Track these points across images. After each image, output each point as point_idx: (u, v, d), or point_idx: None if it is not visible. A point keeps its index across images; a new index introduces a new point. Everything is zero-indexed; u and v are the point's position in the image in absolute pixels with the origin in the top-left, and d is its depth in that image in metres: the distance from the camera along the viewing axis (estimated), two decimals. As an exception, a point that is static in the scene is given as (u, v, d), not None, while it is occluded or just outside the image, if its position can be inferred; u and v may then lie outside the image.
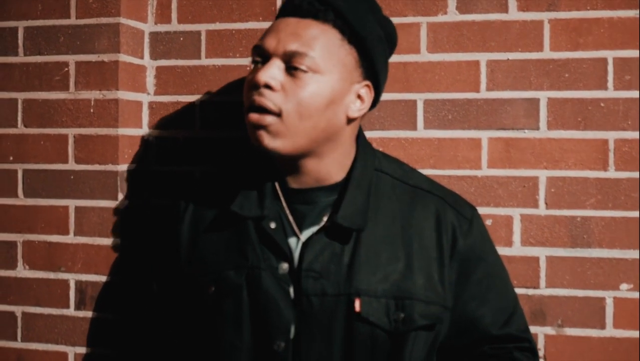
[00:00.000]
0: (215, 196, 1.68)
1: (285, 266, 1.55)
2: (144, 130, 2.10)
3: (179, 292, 1.67)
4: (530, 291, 1.91)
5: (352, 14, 1.52)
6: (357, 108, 1.56)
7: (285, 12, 1.56)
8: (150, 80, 2.11)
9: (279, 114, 1.48)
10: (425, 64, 1.96)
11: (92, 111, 2.00)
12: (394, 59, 1.96)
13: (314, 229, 1.58)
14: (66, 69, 2.03)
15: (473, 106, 1.93)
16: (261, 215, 1.57)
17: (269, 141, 1.50)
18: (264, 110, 1.49)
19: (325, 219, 1.58)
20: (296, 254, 1.56)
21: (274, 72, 1.49)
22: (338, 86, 1.51)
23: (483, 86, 1.93)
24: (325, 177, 1.58)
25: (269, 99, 1.48)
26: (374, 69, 1.57)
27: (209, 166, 2.07)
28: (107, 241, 2.00)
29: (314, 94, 1.48)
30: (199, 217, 1.67)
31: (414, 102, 1.96)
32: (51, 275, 2.05)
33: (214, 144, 2.06)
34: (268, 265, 1.55)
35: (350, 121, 1.57)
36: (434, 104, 1.95)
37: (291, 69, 1.48)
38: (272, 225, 1.57)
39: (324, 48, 1.50)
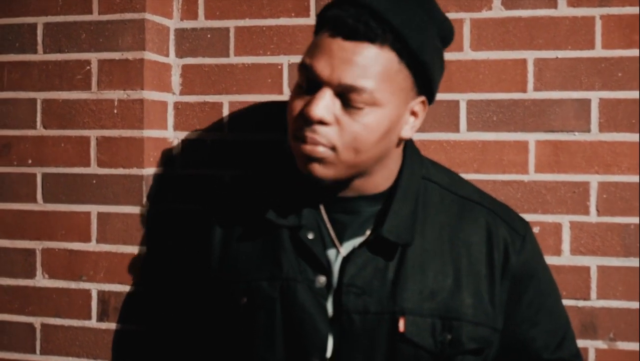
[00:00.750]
0: (248, 201, 1.59)
1: (322, 279, 1.46)
2: (169, 132, 2.01)
3: (209, 301, 1.58)
4: (581, 303, 1.81)
5: (411, 36, 1.37)
6: (410, 126, 1.47)
7: (336, 30, 1.37)
8: (175, 79, 2.02)
9: (332, 149, 1.38)
10: (468, 63, 1.86)
11: (115, 111, 1.91)
12: (436, 57, 1.87)
13: (356, 241, 1.49)
14: (88, 67, 1.93)
15: (519, 107, 1.84)
16: (298, 224, 1.49)
17: (321, 172, 1.41)
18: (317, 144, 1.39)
19: (368, 232, 1.49)
20: (336, 268, 1.48)
21: (328, 106, 1.36)
22: (395, 113, 1.40)
23: (530, 85, 1.83)
24: (370, 189, 1.50)
25: (322, 135, 1.37)
26: (430, 84, 1.46)
27: (238, 170, 1.97)
28: (131, 249, 1.90)
29: (371, 129, 1.38)
30: (231, 223, 1.59)
31: (457, 102, 1.86)
32: (72, 285, 1.95)
33: (243, 147, 1.97)
34: (304, 278, 1.47)
35: (402, 139, 1.48)
36: (477, 104, 1.85)
37: (347, 103, 1.36)
38: (310, 235, 1.48)
39: (382, 76, 1.36)
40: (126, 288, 1.91)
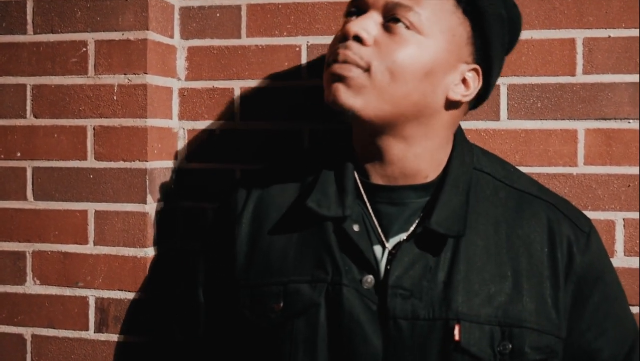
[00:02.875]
0: (280, 191, 1.45)
1: (370, 279, 1.32)
2: (174, 121, 1.83)
3: (232, 308, 1.41)
4: (636, 309, 1.65)
5: None
6: (459, 92, 1.32)
7: None
8: (180, 63, 1.84)
9: (366, 69, 1.28)
10: (510, 43, 1.69)
11: (115, 98, 1.72)
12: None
13: (403, 236, 1.34)
14: (84, 49, 1.75)
15: (567, 92, 1.67)
16: (342, 215, 1.33)
17: (346, 97, 1.28)
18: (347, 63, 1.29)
19: (415, 224, 1.34)
20: (381, 266, 1.33)
21: (367, 23, 1.29)
22: (442, 56, 1.30)
23: (579, 68, 1.67)
24: (414, 172, 1.36)
25: (356, 52, 1.28)
26: (487, 52, 1.36)
27: (250, 163, 1.80)
28: (133, 252, 1.72)
29: (412, 55, 1.28)
30: (261, 215, 1.43)
31: (497, 87, 1.69)
32: (67, 291, 1.76)
33: (256, 137, 1.80)
34: (351, 279, 1.32)
35: (449, 105, 1.35)
36: (520, 89, 1.69)
37: (391, 21, 1.28)
38: (356, 228, 1.33)
39: (433, 8, 1.29)
40: (127, 295, 1.73)
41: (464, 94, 1.35)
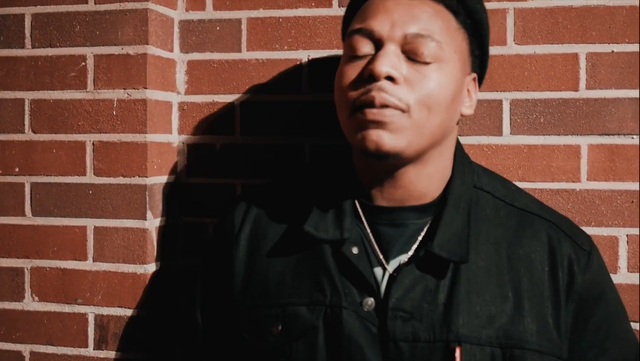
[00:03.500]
0: (279, 211, 1.43)
1: (370, 301, 1.30)
2: (174, 136, 1.82)
3: (231, 330, 1.40)
4: (639, 326, 1.65)
5: None
6: (468, 105, 1.37)
7: None
8: (180, 77, 1.83)
9: (403, 111, 1.24)
10: (512, 58, 1.69)
11: (114, 113, 1.71)
12: (475, 51, 1.70)
13: (403, 258, 1.33)
14: (83, 63, 1.74)
15: (570, 107, 1.67)
16: (341, 238, 1.32)
17: (392, 143, 1.25)
18: (385, 107, 1.25)
19: (415, 246, 1.33)
20: (382, 289, 1.32)
21: (395, 61, 1.25)
22: (459, 76, 1.31)
23: (582, 83, 1.66)
24: (421, 194, 1.35)
25: (393, 94, 1.24)
26: (483, 60, 1.36)
27: (251, 178, 1.79)
28: (133, 268, 1.71)
29: (442, 84, 1.27)
30: (258, 236, 1.42)
31: (499, 102, 1.69)
32: (66, 308, 1.75)
33: (256, 152, 1.79)
34: (350, 302, 1.30)
35: (458, 120, 1.37)
36: (523, 104, 1.68)
37: (413, 57, 1.26)
38: (355, 250, 1.32)
39: (444, 30, 1.29)
40: (127, 312, 1.72)
41: (470, 104, 1.37)
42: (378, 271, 1.33)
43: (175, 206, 1.81)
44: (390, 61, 1.24)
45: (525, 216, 1.39)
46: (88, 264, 1.74)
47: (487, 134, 1.70)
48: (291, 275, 1.35)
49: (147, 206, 1.70)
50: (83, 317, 1.74)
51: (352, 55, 1.30)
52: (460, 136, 1.69)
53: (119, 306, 1.72)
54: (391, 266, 1.32)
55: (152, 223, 1.72)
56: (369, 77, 1.24)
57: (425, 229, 1.34)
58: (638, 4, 1.64)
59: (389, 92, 1.23)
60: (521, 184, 1.67)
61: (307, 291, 1.32)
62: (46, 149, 1.76)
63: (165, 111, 1.78)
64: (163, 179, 1.76)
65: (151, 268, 1.72)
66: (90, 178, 1.74)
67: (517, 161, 1.68)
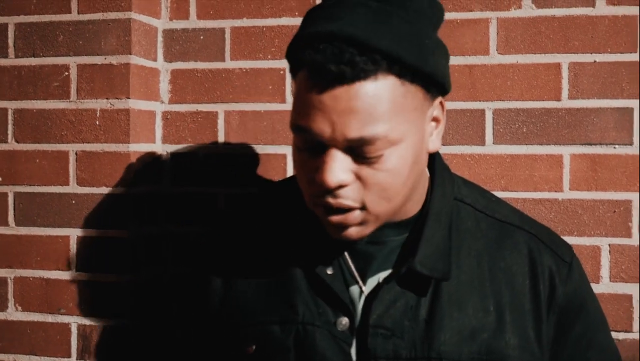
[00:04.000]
0: (254, 229, 1.41)
1: (345, 321, 1.28)
2: (158, 145, 1.82)
3: (209, 345, 1.40)
4: (622, 336, 1.65)
5: (406, 51, 1.14)
6: (435, 136, 1.28)
7: (320, 79, 1.14)
8: (164, 86, 1.83)
9: (362, 207, 1.20)
10: (495, 68, 1.69)
11: (97, 123, 1.72)
12: (458, 61, 1.70)
13: (382, 275, 1.31)
14: (66, 73, 1.74)
15: (553, 117, 1.67)
16: (314, 258, 1.31)
17: (358, 234, 1.24)
18: (344, 210, 1.21)
19: (395, 262, 1.31)
20: (359, 307, 1.30)
21: (342, 167, 1.16)
22: (417, 137, 1.21)
23: (565, 93, 1.67)
24: (402, 212, 1.31)
25: (346, 197, 1.18)
26: (443, 85, 1.26)
27: (234, 187, 1.80)
28: (116, 278, 1.71)
29: (397, 171, 1.19)
30: (236, 255, 1.40)
31: (482, 112, 1.69)
32: (49, 318, 1.75)
33: (240, 161, 1.79)
34: (324, 321, 1.28)
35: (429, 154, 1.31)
36: (505, 114, 1.69)
37: (362, 155, 1.16)
38: (329, 271, 1.30)
39: (391, 110, 1.15)
40: (110, 322, 1.72)
41: (439, 132, 1.28)
42: (355, 289, 1.30)
43: (160, 215, 1.82)
44: (337, 170, 1.15)
45: (505, 228, 1.37)
46: (71, 274, 1.74)
47: (469, 143, 1.70)
48: (266, 295, 1.34)
49: (130, 215, 1.71)
50: (66, 327, 1.74)
51: (299, 146, 1.22)
52: (442, 145, 1.70)
53: (102, 317, 1.72)
54: (370, 284, 1.30)
55: (135, 232, 1.72)
56: (323, 189, 1.18)
57: (404, 245, 1.32)
58: (619, 14, 1.64)
59: (343, 197, 1.17)
60: (504, 194, 1.68)
61: (280, 311, 1.31)
62: (29, 158, 1.77)
63: (149, 120, 1.79)
64: (146, 188, 1.77)
65: (134, 278, 1.72)
66: (73, 188, 1.74)
67: (499, 171, 1.69)
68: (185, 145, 1.82)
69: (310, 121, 1.15)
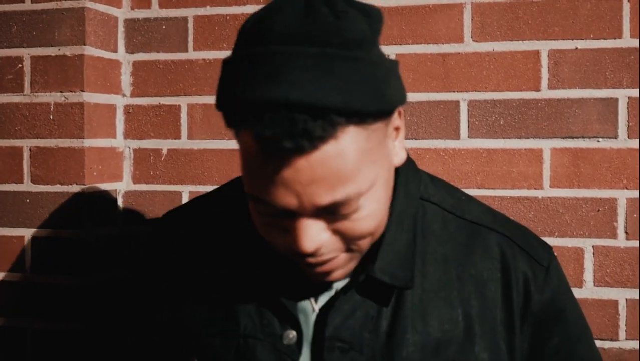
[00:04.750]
0: (201, 233, 1.31)
1: (292, 335, 1.18)
2: (119, 141, 1.74)
3: (158, 356, 1.31)
4: (607, 344, 1.54)
5: (361, 100, 1.01)
6: (398, 148, 1.17)
7: (275, 153, 1.00)
8: (126, 78, 1.75)
9: (349, 250, 1.12)
10: (470, 56, 1.59)
11: (51, 117, 1.64)
12: (431, 49, 1.60)
13: (340, 283, 1.20)
14: (20, 65, 1.67)
15: (532, 109, 1.56)
16: (261, 266, 1.21)
17: (342, 275, 1.15)
18: (328, 260, 1.12)
19: (354, 269, 1.19)
20: (312, 319, 1.19)
21: (316, 234, 1.07)
22: (385, 168, 1.12)
23: (544, 82, 1.56)
24: None
25: (328, 252, 1.09)
26: (400, 104, 1.13)
27: (199, 184, 1.71)
28: (71, 280, 1.64)
29: (374, 212, 1.09)
30: (183, 258, 1.31)
31: (456, 103, 1.59)
32: (2, 322, 1.69)
33: (205, 156, 1.71)
34: (269, 333, 1.19)
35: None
36: (481, 106, 1.58)
37: (336, 215, 1.06)
38: (277, 280, 1.20)
39: (356, 161, 1.04)
40: (64, 326, 1.64)
41: (400, 141, 1.18)
42: (305, 302, 1.20)
43: (120, 215, 1.74)
44: (313, 236, 1.05)
45: (476, 230, 1.25)
46: (25, 276, 1.67)
47: (443, 137, 1.60)
48: (209, 306, 1.24)
49: (85, 214, 1.63)
50: (21, 331, 1.67)
51: (261, 212, 1.10)
52: (413, 139, 1.60)
53: (55, 320, 1.65)
54: (326, 295, 1.20)
55: (91, 232, 1.64)
56: (302, 256, 1.08)
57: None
58: (603, -3, 1.53)
59: (324, 255, 1.08)
60: (480, 191, 1.57)
61: (222, 321, 1.22)
62: (-18, 155, 1.70)
63: (108, 114, 1.71)
64: (105, 186, 1.69)
65: (91, 280, 1.64)
66: (27, 186, 1.67)
67: (475, 167, 1.58)
68: (147, 140, 1.74)
69: (272, 195, 1.02)
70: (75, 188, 1.63)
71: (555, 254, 1.50)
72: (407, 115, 1.60)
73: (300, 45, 0.97)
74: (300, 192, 1.01)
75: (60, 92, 1.64)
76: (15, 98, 1.67)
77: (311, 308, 1.19)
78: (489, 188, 1.57)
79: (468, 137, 1.59)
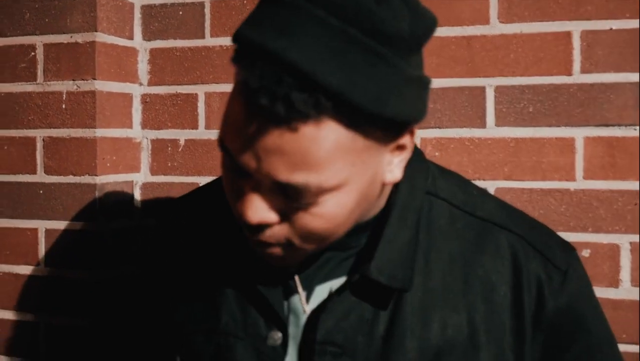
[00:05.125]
0: (196, 225, 1.25)
1: (277, 336, 1.10)
2: (136, 131, 1.69)
3: (152, 355, 1.26)
4: (637, 348, 1.43)
5: (361, 92, 0.89)
6: (395, 165, 1.05)
7: (251, 105, 0.91)
8: (143, 66, 1.70)
9: (288, 244, 1.02)
10: (496, 39, 1.49)
11: (64, 106, 1.60)
12: (455, 32, 1.51)
13: (335, 283, 1.11)
14: (33, 53, 1.63)
15: (563, 94, 1.46)
16: (249, 261, 1.12)
17: (285, 263, 1.06)
18: (267, 244, 1.03)
19: (348, 266, 1.11)
20: (302, 320, 1.10)
21: (264, 208, 0.98)
22: (365, 178, 0.99)
23: (577, 66, 1.45)
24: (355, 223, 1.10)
25: (269, 236, 1.01)
26: (409, 123, 1.00)
27: (218, 175, 1.65)
28: (83, 274, 1.60)
29: (332, 215, 0.99)
30: (178, 251, 1.24)
31: (482, 90, 1.49)
32: (16, 316, 1.66)
33: (222, 147, 1.64)
34: (251, 333, 1.11)
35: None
36: (508, 92, 1.48)
37: (290, 199, 0.97)
38: (264, 277, 1.11)
39: (329, 156, 0.93)
40: (78, 322, 1.60)
41: (401, 161, 1.04)
42: (296, 300, 1.11)
43: (137, 207, 1.69)
44: (259, 208, 0.97)
45: (487, 228, 1.14)
46: (39, 270, 1.64)
47: (468, 126, 1.50)
48: (195, 301, 1.17)
49: (97, 206, 1.59)
50: (34, 325, 1.64)
51: (225, 165, 1.01)
52: (437, 128, 1.51)
53: (69, 315, 1.61)
54: (319, 293, 1.11)
55: (105, 224, 1.60)
56: (245, 223, 0.99)
57: (363, 248, 1.11)
58: (640, -27, 1.41)
59: (265, 235, 0.99)
60: (507, 184, 1.47)
61: (205, 319, 1.15)
62: (-3, 145, 1.67)
63: (123, 103, 1.66)
64: (120, 177, 1.64)
65: (104, 274, 1.60)
66: (41, 177, 1.63)
67: (502, 157, 1.48)
68: (165, 130, 1.69)
69: (235, 146, 0.94)
70: (88, 179, 1.59)
71: (588, 251, 1.40)
72: (430, 102, 1.51)
73: (327, 13, 0.88)
74: (262, 157, 0.91)
75: (73, 80, 1.60)
76: (28, 87, 1.64)
77: (302, 309, 1.10)
78: (517, 180, 1.47)
79: (495, 125, 1.49)
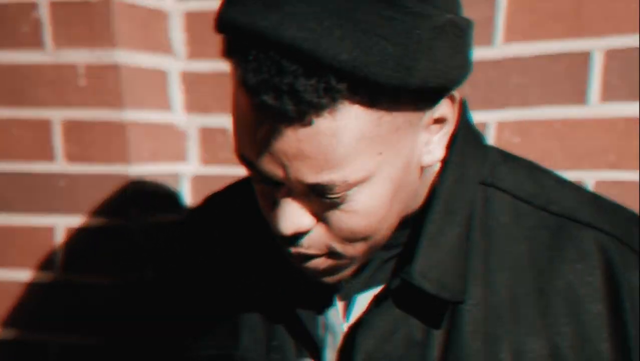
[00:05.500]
0: (225, 230, 0.46)
1: None
2: (176, 114, 0.73)
3: None
4: None
5: (379, 63, 0.27)
6: (435, 144, 0.35)
7: (259, 107, 0.29)
8: (177, 35, 0.73)
9: (332, 253, 0.35)
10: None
11: (80, 82, 0.63)
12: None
13: (373, 292, 0.38)
14: (35, 14, 0.64)
15: (693, 64, 0.59)
16: (277, 270, 0.40)
17: (337, 279, 0.37)
18: (309, 257, 0.35)
19: (391, 269, 0.39)
20: (338, 339, 0.34)
21: (297, 215, 0.34)
22: (399, 164, 0.33)
23: None
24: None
25: (307, 246, 0.34)
26: (445, 87, 0.33)
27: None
28: (110, 279, 0.66)
29: (367, 210, 0.33)
30: (202, 258, 0.46)
31: (586, 55, 0.61)
32: (25, 334, 0.70)
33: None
34: (278, 358, 0.38)
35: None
36: (620, 57, 0.60)
37: (323, 197, 0.32)
38: (294, 289, 0.40)
39: (354, 146, 0.31)
40: (100, 339, 0.67)
41: (441, 135, 0.36)
42: (333, 315, 0.39)
43: (180, 202, 0.74)
44: (293, 216, 0.35)
45: (566, 226, 0.36)
46: (56, 274, 0.68)
47: (563, 102, 0.63)
48: (216, 315, 0.44)
49: (130, 200, 0.64)
50: (43, 343, 0.70)
51: (251, 177, 0.37)
52: (520, 107, 0.62)
53: (88, 331, 0.68)
54: (361, 305, 0.39)
55: (138, 220, 0.66)
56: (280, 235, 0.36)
57: (404, 249, 0.39)
58: None
59: (303, 246, 0.36)
60: (613, 174, 0.62)
61: (221, 336, 0.43)
62: (3, 128, 0.68)
63: (157, 80, 0.70)
64: (159, 168, 0.69)
65: (140, 277, 0.66)
66: (61, 165, 0.67)
67: (608, 142, 0.62)
68: (209, 114, 0.73)
69: (257, 158, 0.34)
70: (119, 169, 0.63)
71: None
72: (514, 76, 0.62)
73: None
74: (286, 165, 0.34)
75: (89, 48, 0.62)
76: (35, 56, 0.65)
77: (340, 325, 0.39)
78: (627, 170, 0.62)
79: (600, 101, 0.62)
